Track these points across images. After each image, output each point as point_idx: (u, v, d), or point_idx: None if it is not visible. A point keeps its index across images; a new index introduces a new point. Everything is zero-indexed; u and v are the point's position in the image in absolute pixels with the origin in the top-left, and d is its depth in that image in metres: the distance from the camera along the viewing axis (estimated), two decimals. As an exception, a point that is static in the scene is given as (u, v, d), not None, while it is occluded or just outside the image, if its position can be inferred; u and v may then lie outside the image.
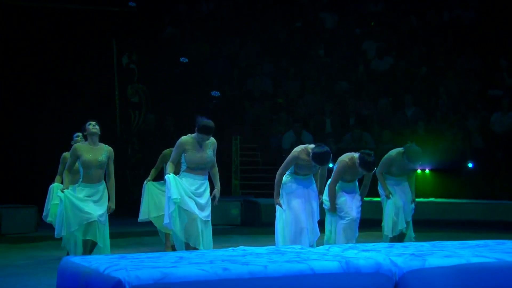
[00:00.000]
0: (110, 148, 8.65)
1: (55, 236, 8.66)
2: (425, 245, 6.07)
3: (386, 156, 9.45)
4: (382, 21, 19.07)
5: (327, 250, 5.87)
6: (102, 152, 8.56)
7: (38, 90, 15.23)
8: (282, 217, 8.20)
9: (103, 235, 8.63)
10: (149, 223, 9.91)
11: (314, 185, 8.31)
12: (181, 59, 17.58)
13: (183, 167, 8.06)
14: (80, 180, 8.54)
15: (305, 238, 8.04)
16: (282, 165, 8.26)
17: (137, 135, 16.25)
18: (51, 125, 14.91)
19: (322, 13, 19.51)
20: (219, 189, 8.19)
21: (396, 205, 9.25)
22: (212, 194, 8.13)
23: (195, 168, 7.99)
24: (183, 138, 8.10)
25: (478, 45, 17.82)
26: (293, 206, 8.13)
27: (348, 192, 8.68)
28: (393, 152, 9.43)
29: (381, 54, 18.18)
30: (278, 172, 8.25)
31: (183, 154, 8.03)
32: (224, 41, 18.85)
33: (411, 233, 9.47)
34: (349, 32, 19.06)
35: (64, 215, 8.43)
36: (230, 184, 15.76)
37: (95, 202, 8.49)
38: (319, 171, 8.43)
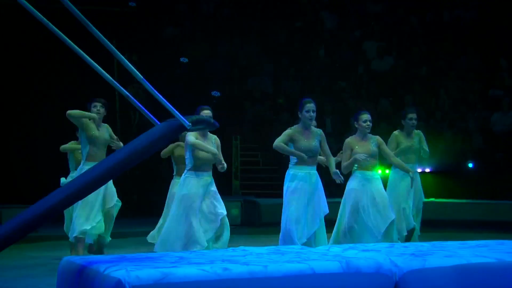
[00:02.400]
0: (106, 124, 8.74)
1: (71, 237, 8.60)
2: (425, 245, 6.07)
3: (389, 139, 9.50)
4: (382, 21, 19.08)
5: (328, 250, 5.87)
6: (105, 131, 8.64)
7: (38, 90, 15.23)
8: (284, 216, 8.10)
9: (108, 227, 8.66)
10: (149, 223, 9.91)
11: (319, 181, 8.13)
12: (181, 59, 17.58)
13: (189, 165, 7.96)
14: (83, 160, 8.48)
15: (294, 236, 7.88)
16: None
17: (137, 135, 16.23)
18: (51, 125, 14.91)
19: (322, 13, 19.51)
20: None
21: (399, 207, 9.22)
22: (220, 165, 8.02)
23: (201, 165, 7.92)
24: (189, 134, 8.03)
25: (479, 45, 17.82)
26: (291, 204, 7.98)
27: (362, 189, 8.38)
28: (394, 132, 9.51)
29: (381, 54, 18.18)
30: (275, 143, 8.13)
31: (189, 151, 7.94)
32: (224, 41, 18.86)
33: (417, 227, 9.48)
34: (349, 32, 19.07)
35: (78, 210, 8.39)
36: (230, 184, 15.76)
37: (103, 194, 8.46)
38: (324, 146, 8.20)
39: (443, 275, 5.18)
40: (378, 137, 8.63)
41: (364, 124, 8.55)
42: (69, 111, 8.43)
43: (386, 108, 17.09)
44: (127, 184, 15.35)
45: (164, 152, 9.30)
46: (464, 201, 14.38)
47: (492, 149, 15.49)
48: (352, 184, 8.44)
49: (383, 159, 8.90)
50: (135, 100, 5.04)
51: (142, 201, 15.27)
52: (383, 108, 17.07)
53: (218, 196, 8.08)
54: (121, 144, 8.79)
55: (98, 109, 8.60)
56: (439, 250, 5.67)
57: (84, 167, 8.37)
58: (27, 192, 13.78)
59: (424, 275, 5.16)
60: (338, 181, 8.14)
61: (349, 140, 8.57)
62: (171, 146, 9.28)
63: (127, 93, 5.13)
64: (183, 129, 4.96)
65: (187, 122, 4.94)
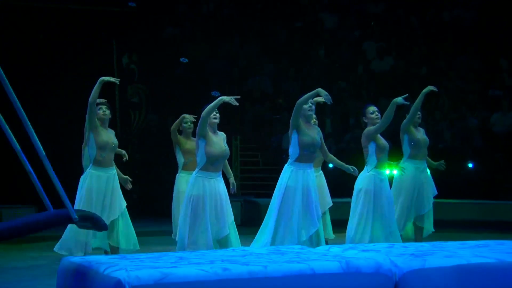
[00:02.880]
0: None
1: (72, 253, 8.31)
2: (425, 245, 6.07)
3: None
4: (382, 21, 19.07)
5: (327, 250, 5.87)
6: (113, 134, 8.48)
7: (38, 90, 15.23)
8: (275, 211, 8.01)
9: (125, 234, 8.51)
10: (149, 223, 9.90)
11: (314, 178, 8.06)
12: (181, 59, 17.58)
13: (201, 163, 7.75)
14: (91, 164, 8.26)
15: (292, 238, 7.80)
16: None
17: (137, 135, 16.25)
18: (50, 125, 14.90)
19: (322, 13, 19.51)
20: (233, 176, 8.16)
21: (403, 205, 9.20)
22: (231, 183, 8.03)
23: (214, 162, 7.74)
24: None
25: (479, 45, 17.82)
26: (287, 203, 7.91)
27: (375, 190, 8.24)
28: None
29: (381, 55, 18.18)
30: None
31: (203, 146, 7.73)
32: (224, 41, 18.86)
33: (430, 227, 9.43)
34: (349, 32, 19.07)
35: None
36: (229, 184, 15.76)
37: (109, 199, 8.30)
38: (323, 143, 8.19)
39: (443, 275, 5.18)
40: None
41: (373, 115, 8.47)
42: (90, 99, 8.20)
43: (387, 109, 17.06)
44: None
45: (174, 126, 9.31)
46: (464, 201, 14.37)
47: (492, 149, 15.49)
48: (363, 184, 8.27)
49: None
50: (37, 182, 5.16)
51: (142, 201, 15.27)
52: (384, 108, 17.04)
53: (228, 200, 7.92)
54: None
55: (104, 111, 8.42)
56: (439, 250, 5.67)
57: (91, 171, 8.23)
58: (27, 192, 13.80)
59: (424, 275, 5.16)
60: (356, 174, 8.17)
61: (366, 130, 8.43)
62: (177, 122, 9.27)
63: (31, 169, 5.23)
64: (70, 220, 5.11)
65: (74, 215, 5.10)
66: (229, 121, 16.77)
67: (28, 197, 13.18)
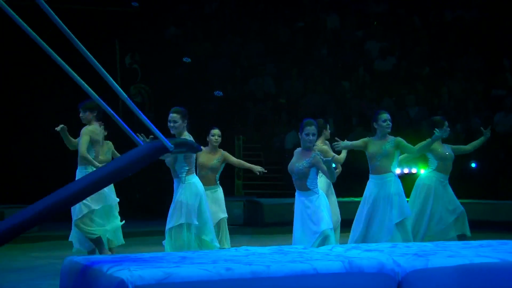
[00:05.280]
0: (110, 142, 9.07)
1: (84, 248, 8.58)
2: (428, 245, 6.07)
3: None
4: (385, 21, 19.06)
5: (330, 250, 5.87)
6: (107, 151, 8.73)
7: (40, 90, 15.23)
8: None
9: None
10: (150, 224, 9.90)
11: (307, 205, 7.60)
12: (184, 59, 17.58)
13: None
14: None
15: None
16: None
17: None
18: (52, 125, 14.87)
19: (324, 13, 19.50)
20: None
21: (422, 212, 9.13)
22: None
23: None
24: None
25: (481, 45, 17.79)
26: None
27: (376, 194, 8.17)
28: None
29: (383, 54, 18.16)
30: None
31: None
32: (227, 41, 18.86)
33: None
34: (352, 32, 19.06)
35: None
36: (233, 184, 15.75)
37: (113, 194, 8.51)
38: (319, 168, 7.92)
39: (446, 275, 5.18)
40: (398, 138, 8.25)
41: (384, 124, 8.25)
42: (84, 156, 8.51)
43: (390, 108, 17.06)
44: (129, 183, 15.36)
45: None
46: (466, 201, 14.29)
47: (495, 149, 15.46)
48: (367, 190, 8.23)
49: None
50: (120, 120, 5.08)
51: (144, 200, 15.28)
52: (386, 108, 17.05)
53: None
54: None
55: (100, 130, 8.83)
56: (442, 250, 5.67)
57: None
58: (29, 192, 13.80)
59: (427, 275, 5.16)
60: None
61: (365, 139, 8.34)
62: None
63: (112, 111, 5.16)
64: (165, 150, 5.05)
65: (169, 144, 5.02)
66: (232, 121, 16.76)
67: (28, 197, 13.18)
